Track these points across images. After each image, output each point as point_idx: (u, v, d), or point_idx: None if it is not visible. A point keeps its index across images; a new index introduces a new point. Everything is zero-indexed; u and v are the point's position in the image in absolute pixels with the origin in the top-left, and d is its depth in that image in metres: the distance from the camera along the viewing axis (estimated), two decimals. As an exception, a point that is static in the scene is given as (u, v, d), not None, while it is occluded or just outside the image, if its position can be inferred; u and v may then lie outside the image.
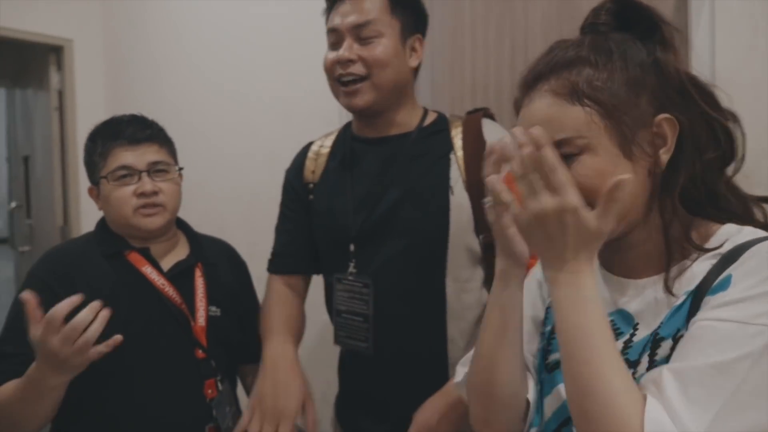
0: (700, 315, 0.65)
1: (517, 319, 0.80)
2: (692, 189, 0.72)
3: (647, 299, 0.74)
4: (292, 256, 1.37)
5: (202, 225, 2.75)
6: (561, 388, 0.77)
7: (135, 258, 1.31)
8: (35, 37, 3.34)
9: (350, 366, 1.37)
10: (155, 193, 1.29)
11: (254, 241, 1.71)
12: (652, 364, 0.69)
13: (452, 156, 1.22)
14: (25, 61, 3.88)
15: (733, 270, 0.65)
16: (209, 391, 1.30)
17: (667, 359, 0.67)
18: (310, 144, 1.41)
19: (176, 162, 1.40)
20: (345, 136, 1.34)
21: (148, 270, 1.30)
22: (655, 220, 0.73)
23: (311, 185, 1.34)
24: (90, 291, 1.20)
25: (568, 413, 0.71)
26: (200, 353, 1.30)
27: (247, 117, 2.61)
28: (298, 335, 1.33)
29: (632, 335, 0.74)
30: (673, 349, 0.67)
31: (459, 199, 1.19)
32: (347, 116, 1.53)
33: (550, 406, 0.80)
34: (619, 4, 0.75)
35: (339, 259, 1.27)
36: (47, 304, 1.18)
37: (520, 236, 0.74)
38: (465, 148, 1.20)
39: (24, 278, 1.31)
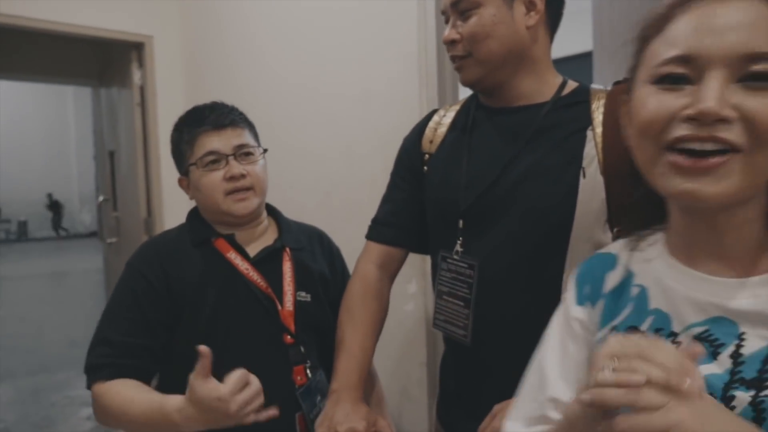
0: None
1: None
2: None
3: (758, 302, 0.62)
4: (394, 226, 1.30)
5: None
6: None
7: (221, 245, 1.33)
8: (117, 35, 3.45)
9: (451, 364, 1.29)
10: (243, 175, 1.29)
11: (332, 229, 1.67)
12: None
13: (589, 132, 1.06)
14: (108, 59, 4.03)
15: None
16: (298, 377, 1.29)
17: None
18: (433, 112, 1.34)
19: (259, 144, 1.40)
20: (470, 106, 1.24)
21: (233, 256, 1.31)
22: (761, 203, 0.64)
23: (427, 156, 1.26)
24: (181, 280, 1.27)
25: None
26: (288, 338, 1.30)
27: (323, 108, 2.59)
28: (374, 335, 1.27)
29: (739, 347, 0.63)
30: None
31: (592, 182, 1.03)
32: (427, 100, 1.47)
33: None
34: None
35: (447, 237, 1.18)
36: (143, 292, 1.25)
37: None
38: (605, 124, 1.01)
39: (123, 268, 1.34)
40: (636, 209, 0.76)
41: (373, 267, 1.29)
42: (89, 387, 1.23)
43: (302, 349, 1.31)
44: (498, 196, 1.11)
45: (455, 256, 1.15)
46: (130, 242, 3.76)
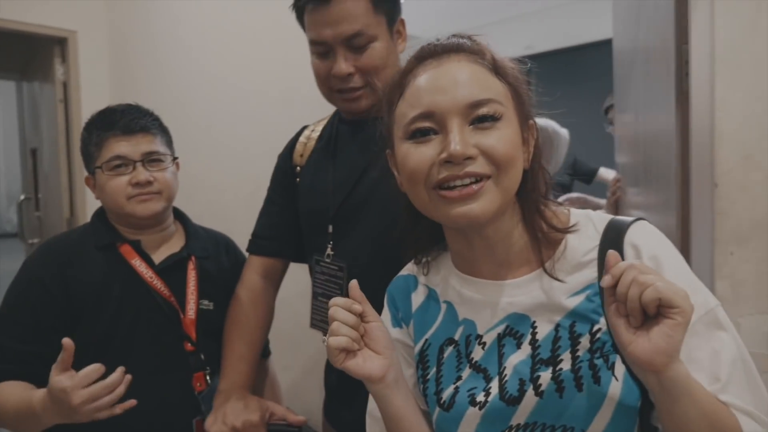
0: None
1: (409, 419, 0.82)
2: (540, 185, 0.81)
3: (535, 295, 0.77)
4: (273, 239, 1.36)
5: (205, 214, 2.76)
6: (468, 419, 0.78)
7: (126, 250, 1.32)
8: (40, 29, 3.35)
9: (329, 364, 1.35)
10: (149, 182, 1.30)
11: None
12: (575, 361, 0.73)
13: None
14: (30, 53, 3.90)
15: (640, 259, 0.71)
16: (198, 384, 1.30)
17: (589, 351, 0.73)
18: (304, 128, 1.41)
19: (172, 151, 1.40)
20: (333, 119, 1.33)
21: (137, 263, 1.31)
22: (515, 213, 0.79)
23: (298, 168, 1.33)
24: (80, 284, 1.25)
25: None
26: (189, 346, 1.31)
27: (247, 108, 2.61)
28: (261, 339, 1.34)
29: (534, 334, 0.77)
30: (592, 342, 0.73)
31: None
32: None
33: None
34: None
35: (319, 242, 1.25)
36: (37, 296, 1.24)
37: (356, 365, 0.78)
38: None
39: (20, 268, 1.31)
40: (421, 237, 0.89)
41: (257, 277, 1.35)
42: None
43: (203, 356, 1.32)
44: (358, 201, 1.20)
45: (327, 260, 1.23)
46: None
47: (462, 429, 0.79)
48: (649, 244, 0.74)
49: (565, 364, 0.73)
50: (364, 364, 0.78)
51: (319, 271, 1.25)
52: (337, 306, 0.79)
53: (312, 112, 2.25)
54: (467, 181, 0.72)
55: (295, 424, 1.21)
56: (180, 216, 1.48)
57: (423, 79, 0.76)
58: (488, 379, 0.79)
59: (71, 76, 3.45)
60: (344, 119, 1.29)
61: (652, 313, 0.61)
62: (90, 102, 3.47)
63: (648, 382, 0.65)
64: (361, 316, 0.80)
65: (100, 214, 1.39)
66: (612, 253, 0.66)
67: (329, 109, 2.08)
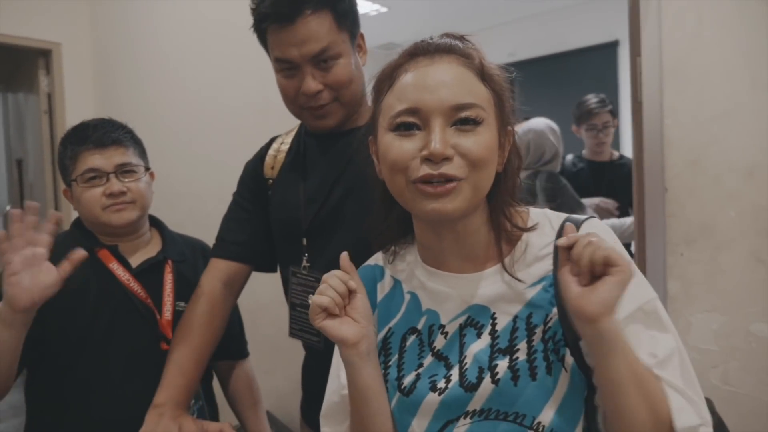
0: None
1: (375, 393, 0.84)
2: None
3: (497, 288, 0.82)
4: (244, 245, 1.33)
5: (187, 221, 2.80)
6: (427, 405, 0.82)
7: (104, 255, 1.36)
8: (24, 41, 3.39)
9: (310, 366, 1.37)
10: (123, 192, 1.33)
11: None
12: (531, 349, 0.78)
13: None
14: (14, 65, 3.93)
15: None
16: None
17: (542, 341, 0.78)
18: (272, 140, 1.41)
19: (146, 162, 1.43)
20: (300, 132, 1.34)
21: (115, 266, 1.35)
22: (483, 212, 0.83)
23: (270, 181, 1.34)
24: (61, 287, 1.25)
25: (441, 423, 0.81)
26: (165, 346, 1.33)
27: (226, 117, 2.65)
28: (209, 354, 1.28)
29: (494, 324, 0.81)
30: (544, 331, 0.78)
31: None
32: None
33: (420, 424, 0.83)
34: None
35: (293, 253, 1.26)
36: None
37: (334, 326, 0.82)
38: None
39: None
40: (390, 228, 0.93)
41: (218, 284, 1.30)
42: None
43: None
44: (330, 213, 1.21)
45: (303, 271, 1.24)
46: (38, 252, 3.66)
47: (420, 414, 0.83)
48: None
49: (521, 354, 0.78)
50: (341, 327, 0.82)
51: (296, 282, 1.27)
52: (334, 275, 0.85)
53: (287, 122, 2.30)
54: (442, 180, 0.76)
55: None
56: (156, 223, 1.51)
57: (412, 75, 0.79)
58: (449, 367, 0.82)
59: (56, 88, 3.49)
60: (311, 132, 1.31)
61: (599, 272, 0.67)
62: (74, 113, 3.50)
63: (586, 334, 0.70)
64: (349, 291, 0.84)
65: (78, 223, 1.43)
66: (569, 225, 0.77)
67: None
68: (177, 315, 1.37)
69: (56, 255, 1.32)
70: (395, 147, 0.78)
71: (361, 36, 1.25)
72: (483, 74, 0.79)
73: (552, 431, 0.76)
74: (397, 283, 0.92)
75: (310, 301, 0.84)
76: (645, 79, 1.34)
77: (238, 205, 1.38)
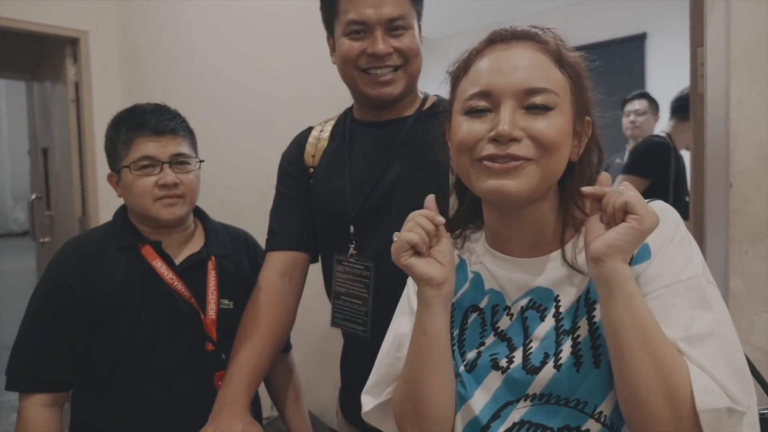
0: (647, 287, 0.74)
1: (443, 344, 0.82)
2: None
3: (560, 271, 0.82)
4: (296, 233, 1.32)
5: (218, 213, 2.78)
6: (489, 382, 0.82)
7: (147, 251, 1.33)
8: (52, 30, 3.39)
9: (351, 357, 1.36)
10: (176, 184, 1.30)
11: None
12: (592, 327, 0.77)
13: None
14: (42, 53, 3.94)
15: (649, 239, 0.73)
16: (219, 383, 1.29)
17: None
18: (310, 129, 1.40)
19: (197, 154, 1.41)
20: (345, 120, 1.34)
21: (158, 264, 1.32)
22: (554, 200, 0.83)
23: (311, 170, 1.33)
24: (103, 285, 1.27)
25: (501, 403, 0.80)
26: (210, 346, 1.32)
27: (259, 107, 2.63)
28: (272, 346, 1.27)
29: (558, 307, 0.80)
30: None
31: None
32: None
33: (479, 401, 0.82)
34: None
35: (339, 242, 1.26)
36: (65, 297, 1.26)
37: (420, 263, 0.81)
38: None
39: (45, 269, 1.33)
40: (462, 213, 0.94)
41: (274, 276, 1.30)
42: (10, 390, 1.25)
43: (224, 356, 1.32)
44: (379, 201, 1.21)
45: (351, 259, 1.24)
46: (64, 241, 3.68)
47: (481, 390, 0.82)
48: (666, 215, 0.77)
49: (583, 331, 0.77)
50: (427, 265, 0.81)
51: (341, 271, 1.26)
52: (421, 214, 0.84)
53: (323, 113, 2.27)
54: (509, 161, 0.76)
55: None
56: (199, 213, 1.48)
57: (487, 60, 0.79)
58: (512, 348, 0.82)
59: (83, 77, 3.48)
60: (358, 120, 1.31)
61: (620, 218, 0.69)
62: (101, 102, 3.50)
63: (592, 276, 0.72)
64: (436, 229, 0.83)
65: (122, 213, 1.40)
66: (604, 175, 0.76)
67: (341, 110, 2.11)
68: (221, 313, 1.35)
69: (100, 250, 1.32)
70: (464, 128, 0.79)
71: (420, 25, 1.25)
72: (560, 60, 0.78)
73: (613, 422, 0.75)
74: (462, 261, 0.92)
75: (394, 238, 0.83)
76: (709, 71, 1.30)
77: (284, 195, 1.37)
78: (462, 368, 0.85)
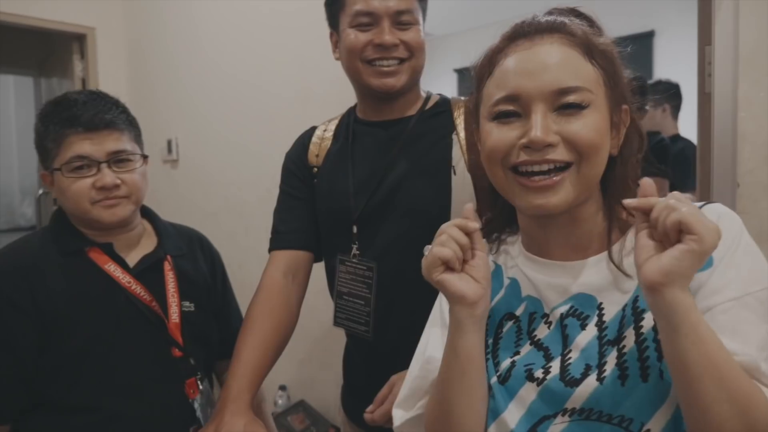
0: (712, 299, 0.67)
1: (476, 366, 0.77)
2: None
3: (603, 276, 0.75)
4: (299, 231, 1.31)
5: (221, 210, 2.81)
6: (523, 395, 0.76)
7: (96, 255, 1.20)
8: (59, 26, 3.39)
9: (353, 356, 1.36)
10: (116, 185, 1.16)
11: (273, 226, 1.73)
12: (640, 337, 0.71)
13: (454, 137, 1.20)
14: (49, 49, 3.94)
15: None
16: (191, 390, 1.23)
17: (653, 329, 0.70)
18: (313, 128, 1.40)
19: (141, 147, 1.26)
20: (348, 120, 1.33)
21: (112, 267, 1.19)
22: (598, 199, 0.77)
23: (315, 169, 1.32)
24: (49, 295, 1.13)
25: (536, 418, 0.74)
26: (177, 351, 1.23)
27: (263, 104, 2.63)
28: (275, 345, 1.24)
29: (601, 315, 0.74)
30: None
31: (461, 178, 1.17)
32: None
33: (513, 414, 0.77)
34: (568, 10, 0.80)
35: (342, 242, 1.25)
36: (3, 313, 1.11)
37: (453, 280, 0.75)
38: (467, 129, 1.18)
39: None
40: (496, 217, 0.89)
41: (277, 275, 1.28)
42: None
43: (192, 361, 1.25)
44: (382, 201, 1.21)
45: (353, 260, 1.23)
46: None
47: (515, 404, 0.77)
48: (726, 219, 0.71)
49: (629, 341, 0.71)
50: (460, 282, 0.75)
51: (344, 271, 1.26)
52: (454, 225, 0.77)
53: (327, 110, 2.26)
54: (546, 167, 0.71)
55: None
56: (147, 213, 1.35)
57: (512, 60, 0.74)
58: (549, 358, 0.76)
59: (90, 73, 3.49)
60: (361, 120, 1.31)
61: (675, 238, 0.60)
62: (108, 98, 3.50)
63: (650, 305, 0.64)
64: (471, 241, 0.77)
65: (60, 217, 1.24)
66: (646, 181, 0.66)
67: (345, 107, 2.10)
68: (184, 317, 1.26)
69: (42, 257, 1.17)
70: (494, 135, 0.75)
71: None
72: (590, 52, 0.73)
73: None
74: (498, 268, 0.88)
75: (425, 252, 0.77)
76: (717, 70, 1.29)
77: (287, 194, 1.37)
78: (495, 379, 0.80)
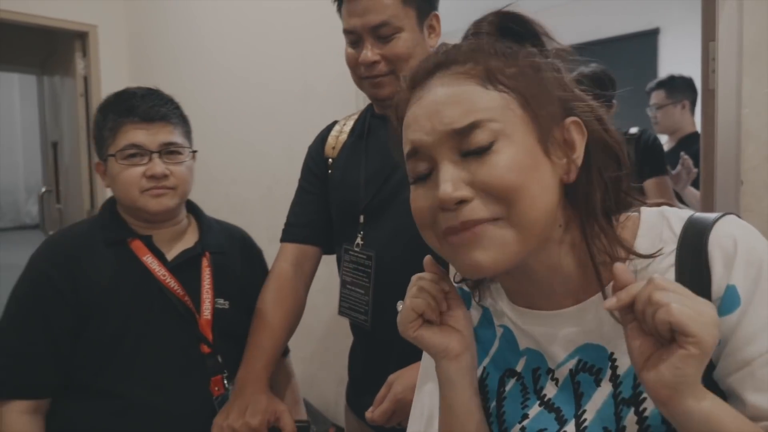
0: (748, 350, 0.58)
1: (476, 419, 0.70)
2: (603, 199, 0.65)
3: (607, 320, 0.63)
4: (306, 226, 1.37)
5: (223, 208, 2.80)
6: None
7: (137, 246, 1.24)
8: (61, 24, 3.39)
9: (357, 350, 1.39)
10: (166, 176, 1.22)
11: (274, 224, 1.72)
12: None
13: None
14: (51, 47, 3.95)
15: (731, 278, 0.58)
16: (216, 388, 1.23)
17: None
18: (334, 123, 1.44)
19: (190, 143, 1.32)
20: (365, 115, 1.37)
21: (149, 260, 1.23)
22: (571, 237, 0.66)
23: (330, 160, 1.36)
24: (89, 282, 1.18)
25: None
26: (205, 348, 1.24)
27: (265, 104, 2.62)
28: (285, 332, 1.30)
29: (614, 368, 0.64)
30: None
31: None
32: (364, 99, 1.55)
33: None
34: (501, 17, 0.69)
35: (349, 231, 1.28)
36: (46, 295, 1.16)
37: (432, 334, 0.69)
38: None
39: (26, 265, 1.22)
40: None
41: (286, 266, 1.33)
42: None
43: (220, 359, 1.25)
44: (389, 193, 1.23)
45: (356, 249, 1.26)
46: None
47: None
48: (745, 242, 0.59)
49: (650, 404, 0.60)
50: (441, 335, 0.69)
51: (348, 260, 1.28)
52: (424, 277, 0.71)
53: (329, 108, 2.27)
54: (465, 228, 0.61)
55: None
56: (193, 209, 1.40)
57: (410, 113, 0.65)
58: (561, 421, 0.66)
59: (92, 70, 3.49)
60: (376, 114, 1.33)
61: (668, 337, 0.52)
62: (110, 96, 3.50)
63: (664, 415, 0.56)
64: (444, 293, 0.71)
65: (110, 206, 1.31)
66: (619, 266, 0.56)
67: (347, 105, 2.09)
68: (216, 314, 1.28)
69: (86, 245, 1.23)
70: (414, 200, 0.66)
71: (436, 17, 1.25)
72: (491, 77, 0.62)
73: None
74: (485, 312, 0.78)
75: (399, 308, 0.72)
76: (720, 66, 1.27)
77: (302, 189, 1.42)
78: None
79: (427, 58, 0.68)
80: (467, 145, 0.60)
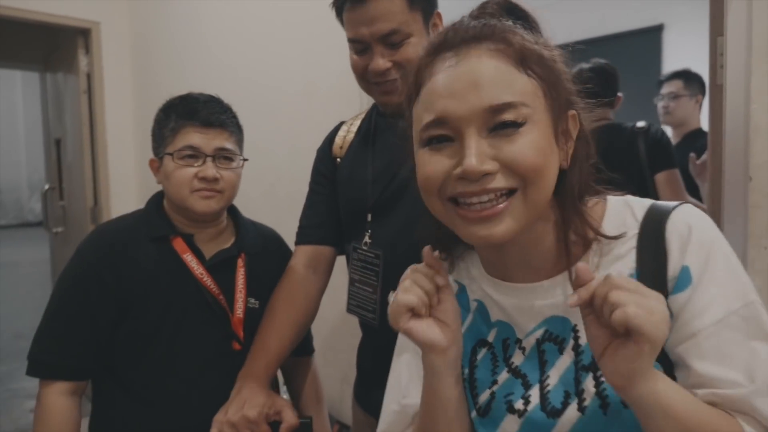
0: (695, 324, 0.65)
1: (458, 404, 0.76)
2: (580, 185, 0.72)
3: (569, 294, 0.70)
4: (319, 226, 1.37)
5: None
6: (506, 428, 0.74)
7: (178, 244, 1.30)
8: (64, 20, 3.39)
9: (365, 346, 1.39)
10: (216, 179, 1.27)
11: (277, 221, 1.72)
12: None
13: None
14: (54, 44, 3.95)
15: (684, 260, 0.66)
16: None
17: None
18: (341, 123, 1.44)
19: (242, 152, 1.39)
20: (371, 115, 1.37)
21: (189, 258, 1.29)
22: (555, 216, 0.72)
23: (338, 160, 1.37)
24: (131, 275, 1.25)
25: None
26: (236, 345, 1.30)
27: (268, 101, 2.61)
28: (294, 332, 1.29)
29: (576, 338, 0.71)
30: None
31: None
32: (368, 98, 1.55)
33: None
34: (505, 3, 0.73)
35: (357, 229, 1.28)
36: (91, 284, 1.24)
37: (421, 328, 0.72)
38: None
39: (73, 254, 1.30)
40: (443, 237, 0.81)
41: (300, 267, 1.34)
42: (31, 375, 1.24)
43: None
44: (396, 191, 1.23)
45: (364, 247, 1.26)
46: (77, 231, 3.71)
47: None
48: (699, 228, 0.67)
49: None
50: (429, 329, 0.72)
51: (356, 258, 1.28)
52: (418, 270, 0.74)
53: (332, 106, 2.26)
54: (485, 198, 0.65)
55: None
56: (231, 210, 1.46)
57: (438, 79, 0.67)
58: (527, 386, 0.73)
59: (95, 68, 3.48)
60: (382, 113, 1.32)
61: (622, 332, 0.57)
62: (113, 93, 3.50)
63: (620, 395, 0.62)
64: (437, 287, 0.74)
65: (156, 202, 1.38)
66: (580, 267, 0.61)
67: (350, 102, 2.09)
68: (248, 312, 1.33)
69: (131, 239, 1.29)
70: (427, 164, 0.68)
71: (438, 15, 1.24)
72: (525, 61, 0.65)
73: None
74: (462, 288, 0.83)
75: (390, 300, 0.74)
76: (729, 61, 1.26)
77: (313, 190, 1.42)
78: (474, 413, 0.77)
79: (455, 28, 0.69)
80: (500, 121, 0.63)
